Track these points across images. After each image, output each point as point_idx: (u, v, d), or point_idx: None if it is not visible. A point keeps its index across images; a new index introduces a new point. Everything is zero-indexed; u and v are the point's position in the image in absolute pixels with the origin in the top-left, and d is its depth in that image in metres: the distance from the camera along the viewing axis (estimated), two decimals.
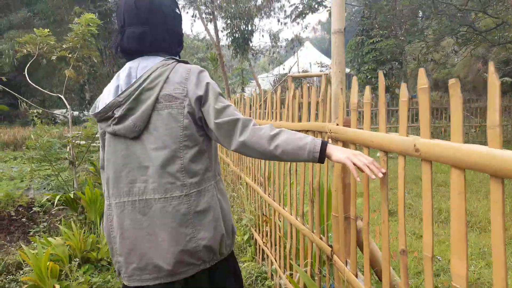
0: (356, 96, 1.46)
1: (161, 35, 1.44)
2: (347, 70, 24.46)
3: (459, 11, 8.61)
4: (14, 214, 4.10)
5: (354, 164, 1.27)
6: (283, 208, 2.45)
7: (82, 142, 4.26)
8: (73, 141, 4.01)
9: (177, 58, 1.49)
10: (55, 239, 3.06)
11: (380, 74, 1.30)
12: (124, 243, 1.39)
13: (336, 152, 1.33)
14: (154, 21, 1.42)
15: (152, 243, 1.36)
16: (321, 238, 1.90)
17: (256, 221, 3.18)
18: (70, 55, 4.41)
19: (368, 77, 18.92)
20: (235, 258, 1.64)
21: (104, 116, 1.40)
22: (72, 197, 3.75)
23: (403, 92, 1.17)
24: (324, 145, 1.33)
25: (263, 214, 2.90)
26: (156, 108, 1.35)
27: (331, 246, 1.75)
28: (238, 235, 3.27)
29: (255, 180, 3.30)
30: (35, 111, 24.39)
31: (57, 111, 26.18)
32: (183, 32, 1.59)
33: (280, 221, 2.56)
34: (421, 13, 9.84)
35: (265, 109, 3.20)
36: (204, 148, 1.43)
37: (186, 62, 1.46)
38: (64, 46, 4.48)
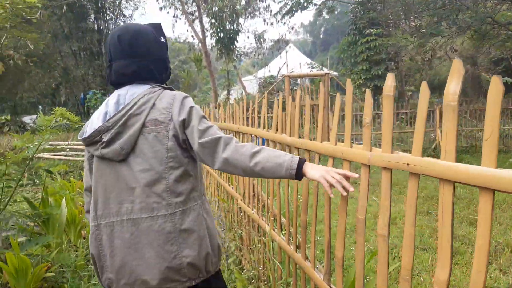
0: None
1: (145, 65, 1.49)
2: (335, 73, 23.47)
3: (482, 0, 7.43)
4: None
5: (328, 182, 1.31)
6: None
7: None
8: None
9: (163, 85, 1.54)
10: None
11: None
12: (114, 261, 1.43)
13: (311, 170, 1.36)
14: (137, 53, 1.48)
15: (140, 260, 1.40)
16: None
17: None
18: None
19: (362, 78, 17.84)
20: (222, 278, 1.64)
21: (93, 140, 1.45)
22: None
23: None
24: (301, 162, 1.36)
25: None
26: (143, 132, 1.41)
27: None
28: None
29: (292, 241, 1.92)
30: (3, 117, 22.33)
31: (27, 117, 24.30)
32: (167, 46, 1.60)
33: None
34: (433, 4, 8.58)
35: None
36: (189, 169, 1.46)
37: (171, 89, 1.53)
38: None
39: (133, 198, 1.40)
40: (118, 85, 1.53)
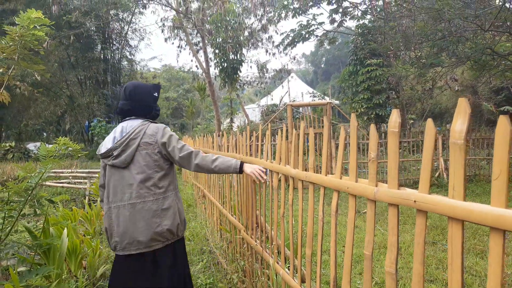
0: None
1: (135, 106, 2.39)
2: (337, 102, 23.62)
3: (481, 31, 7.57)
4: None
5: (254, 174, 2.42)
6: None
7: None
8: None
9: (150, 120, 2.43)
10: None
11: None
12: (119, 230, 2.24)
13: (246, 168, 2.44)
14: (132, 99, 2.39)
15: (136, 228, 2.21)
16: None
17: None
18: (1, 71, 2.97)
19: (363, 107, 17.94)
20: (184, 241, 2.54)
21: (107, 154, 2.31)
22: None
23: None
24: (242, 164, 2.44)
25: None
26: (138, 149, 2.28)
27: None
28: None
29: (297, 274, 1.86)
30: (7, 144, 22.26)
31: (31, 144, 24.36)
32: (157, 98, 2.52)
33: None
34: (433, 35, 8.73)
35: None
36: (167, 172, 2.36)
37: (156, 122, 2.42)
38: None
39: (131, 190, 2.23)
40: (119, 115, 2.44)
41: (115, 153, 2.26)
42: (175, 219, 2.29)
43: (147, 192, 2.22)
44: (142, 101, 2.39)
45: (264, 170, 2.44)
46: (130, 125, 2.33)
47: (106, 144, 2.33)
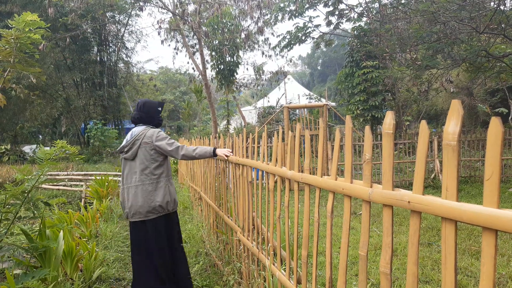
0: None
1: (143, 116, 3.34)
2: (333, 104, 23.67)
3: (476, 33, 7.62)
4: None
5: (223, 155, 3.36)
6: None
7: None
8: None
9: (151, 126, 3.37)
10: None
11: None
12: (128, 203, 3.19)
13: (218, 151, 3.35)
14: (141, 110, 3.36)
15: (138, 203, 3.14)
16: None
17: None
18: None
19: (359, 108, 17.98)
20: (177, 214, 3.51)
21: (121, 150, 3.32)
22: None
23: None
24: (215, 149, 3.35)
25: None
26: (140, 147, 3.20)
27: None
28: None
29: (293, 275, 1.86)
30: (3, 147, 22.04)
31: (26, 147, 24.22)
32: (160, 111, 3.49)
33: None
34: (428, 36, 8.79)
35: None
36: (161, 163, 3.28)
37: (154, 128, 3.37)
38: None
39: (136, 176, 3.16)
40: (133, 122, 3.40)
41: (126, 149, 3.24)
42: (165, 197, 3.19)
43: (145, 178, 3.16)
44: (148, 113, 3.35)
45: (231, 151, 3.39)
46: (137, 130, 3.28)
47: (122, 144, 3.30)
